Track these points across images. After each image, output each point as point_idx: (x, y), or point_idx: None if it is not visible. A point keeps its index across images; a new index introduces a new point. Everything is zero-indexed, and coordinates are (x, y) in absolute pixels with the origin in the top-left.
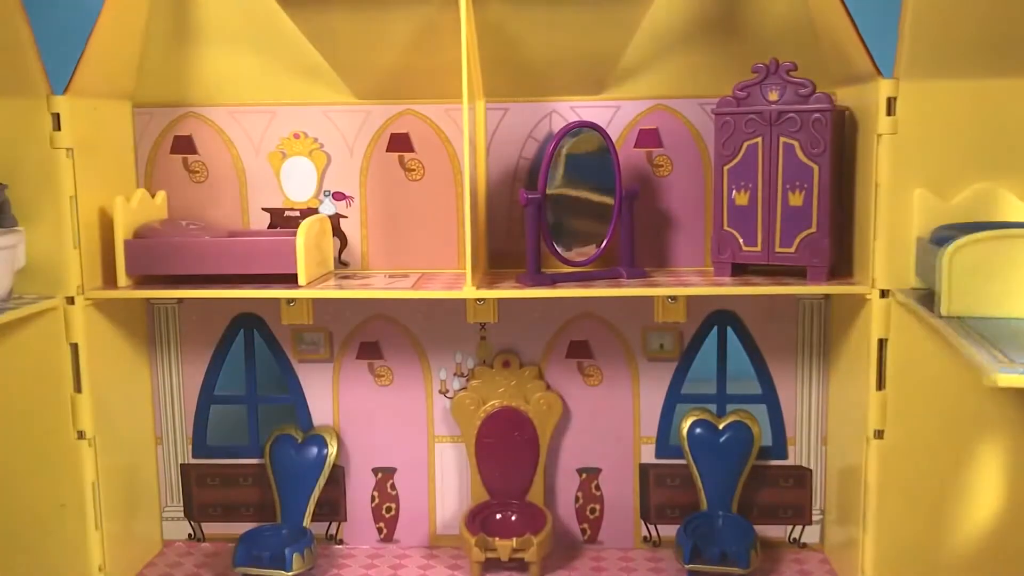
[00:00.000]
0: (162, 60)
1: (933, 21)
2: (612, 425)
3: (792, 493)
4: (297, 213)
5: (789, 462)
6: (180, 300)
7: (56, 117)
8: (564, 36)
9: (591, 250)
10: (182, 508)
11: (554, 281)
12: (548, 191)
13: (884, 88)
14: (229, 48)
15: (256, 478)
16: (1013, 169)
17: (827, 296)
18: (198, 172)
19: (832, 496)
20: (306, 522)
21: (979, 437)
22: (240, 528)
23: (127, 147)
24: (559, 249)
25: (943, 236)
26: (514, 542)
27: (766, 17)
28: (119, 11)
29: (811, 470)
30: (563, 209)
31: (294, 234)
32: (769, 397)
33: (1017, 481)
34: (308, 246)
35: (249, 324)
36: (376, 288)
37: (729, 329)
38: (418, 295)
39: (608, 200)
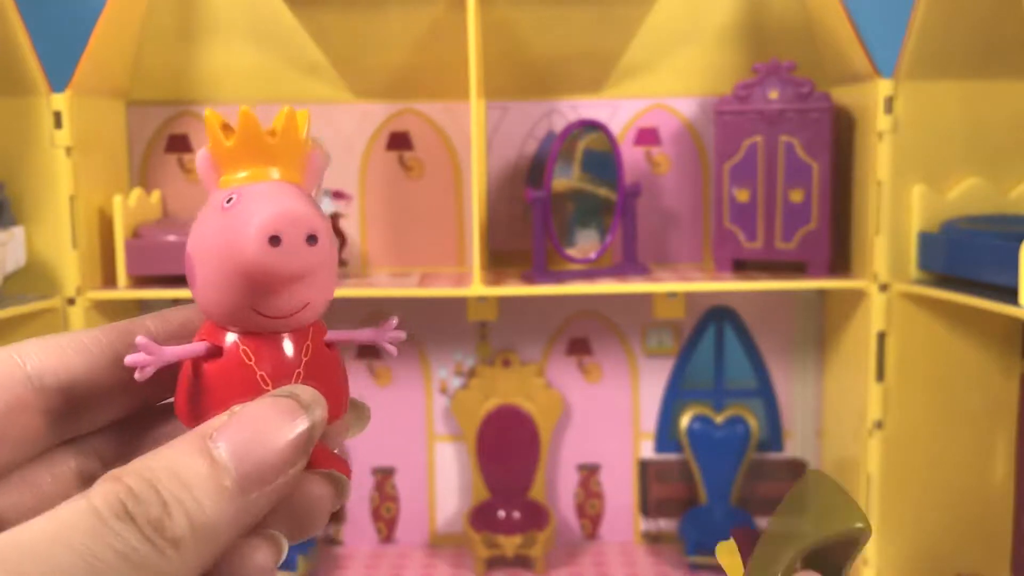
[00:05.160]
0: (157, 57)
1: (936, 26)
2: (612, 421)
3: (788, 486)
4: None
5: (786, 455)
6: (174, 301)
7: (57, 115)
8: (566, 35)
9: (594, 247)
10: None
11: (561, 278)
12: (552, 189)
13: (883, 88)
14: (225, 46)
15: None
16: (997, 164)
17: (821, 292)
18: (193, 171)
19: None
20: None
21: (979, 426)
22: None
23: (121, 146)
24: (563, 246)
25: (958, 229)
26: (519, 538)
27: (761, 19)
28: (120, 7)
29: (807, 462)
30: (567, 207)
31: None
32: (765, 391)
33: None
34: None
35: None
36: (381, 287)
37: (726, 324)
38: (427, 293)
39: (611, 197)
